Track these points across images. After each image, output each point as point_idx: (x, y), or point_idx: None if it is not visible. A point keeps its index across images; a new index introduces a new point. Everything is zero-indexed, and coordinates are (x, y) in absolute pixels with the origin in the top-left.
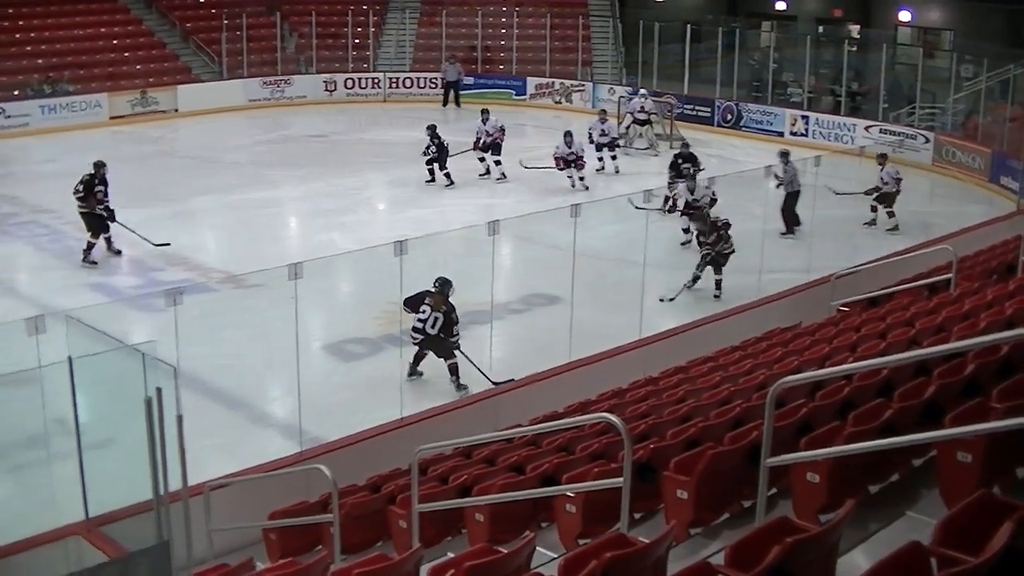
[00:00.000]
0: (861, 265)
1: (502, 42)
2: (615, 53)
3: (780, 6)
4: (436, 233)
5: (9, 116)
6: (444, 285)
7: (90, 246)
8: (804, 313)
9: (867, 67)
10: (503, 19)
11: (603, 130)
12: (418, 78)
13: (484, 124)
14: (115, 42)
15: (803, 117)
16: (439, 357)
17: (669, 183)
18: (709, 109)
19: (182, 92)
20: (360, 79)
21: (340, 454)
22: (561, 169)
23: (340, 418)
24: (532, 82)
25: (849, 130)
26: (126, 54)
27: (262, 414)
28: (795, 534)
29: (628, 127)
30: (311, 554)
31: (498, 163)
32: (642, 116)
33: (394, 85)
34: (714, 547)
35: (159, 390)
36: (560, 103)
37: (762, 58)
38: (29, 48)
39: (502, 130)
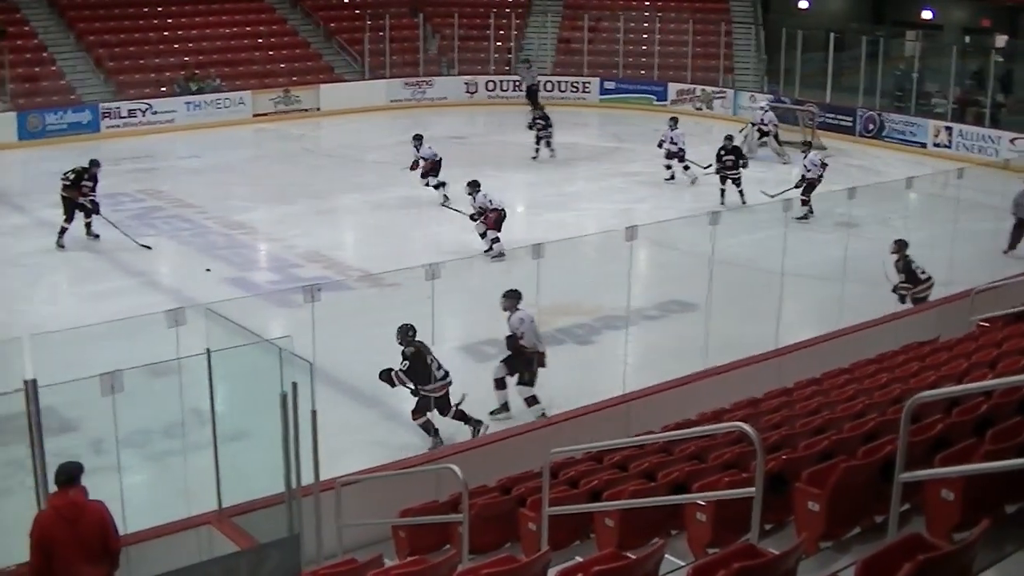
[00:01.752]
0: (1004, 280)
1: (644, 47)
2: (757, 60)
3: (926, 15)
4: (574, 237)
5: (156, 112)
6: (410, 330)
7: (63, 230)
8: (942, 327)
9: (1014, 78)
10: (645, 24)
11: (672, 138)
12: (559, 81)
13: (418, 151)
14: (260, 41)
15: (947, 128)
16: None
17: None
18: (851, 118)
19: (324, 91)
20: (501, 81)
21: (472, 455)
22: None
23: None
24: (673, 88)
25: (994, 142)
26: (270, 53)
27: (395, 412)
28: (927, 552)
29: (747, 135)
30: (439, 553)
31: (438, 186)
32: (765, 128)
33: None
34: (844, 562)
35: (295, 385)
36: (700, 109)
37: (906, 67)
38: (176, 46)
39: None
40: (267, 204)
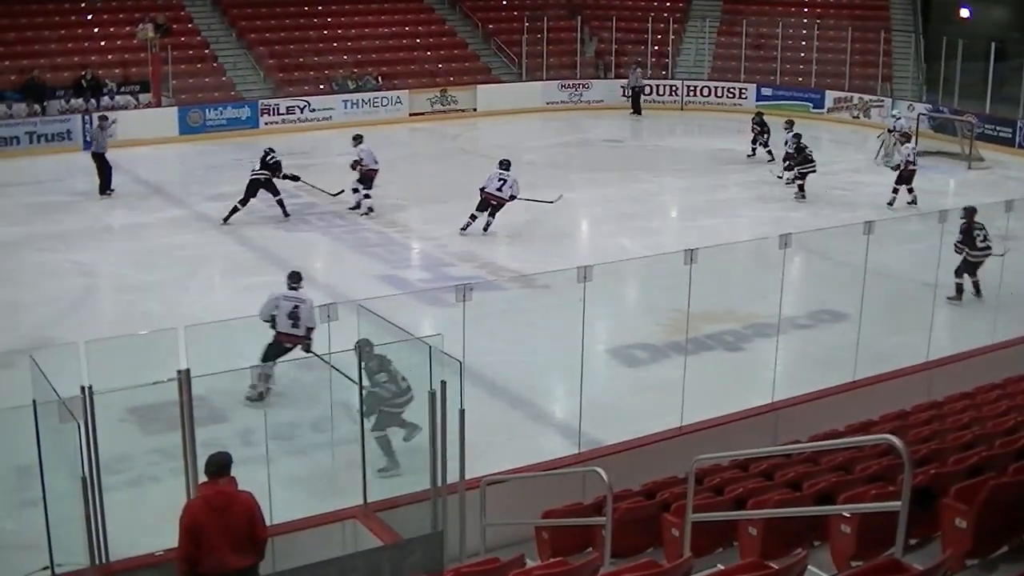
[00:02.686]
0: None
1: (802, 54)
2: (916, 69)
3: None
4: (727, 243)
5: (314, 110)
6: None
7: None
8: None
9: None
10: (804, 31)
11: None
12: (716, 87)
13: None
14: (418, 41)
15: None
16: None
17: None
18: (1011, 130)
19: (481, 92)
20: (658, 86)
21: (617, 458)
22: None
23: (620, 422)
24: (830, 95)
25: None
26: (428, 53)
27: (542, 413)
28: None
29: (884, 141)
30: (581, 555)
31: (368, 196)
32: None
33: (691, 93)
34: None
35: (443, 383)
36: (858, 118)
37: None
38: (335, 45)
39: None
40: (421, 203)
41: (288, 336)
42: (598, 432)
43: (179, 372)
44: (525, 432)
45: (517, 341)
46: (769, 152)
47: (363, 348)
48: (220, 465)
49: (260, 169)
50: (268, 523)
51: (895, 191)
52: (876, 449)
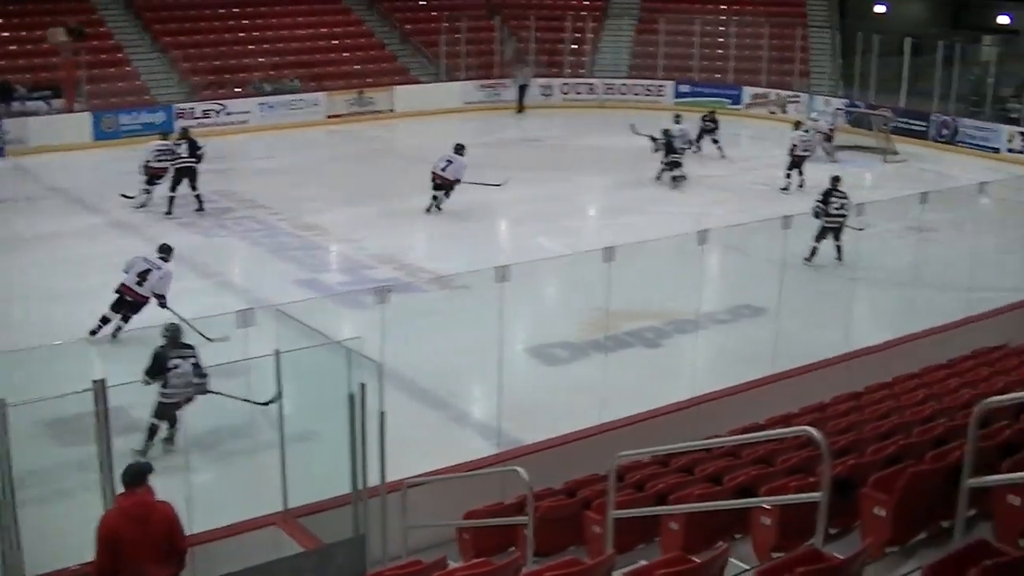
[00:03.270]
0: None
1: (720, 50)
2: (832, 64)
3: (1003, 20)
4: (645, 241)
5: (231, 113)
6: (176, 332)
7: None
8: (1013, 333)
9: None
10: (721, 28)
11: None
12: (634, 85)
13: (177, 148)
14: (335, 42)
15: (1021, 133)
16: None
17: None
18: (925, 123)
19: (399, 93)
20: (576, 84)
21: (538, 457)
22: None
23: (540, 421)
24: (748, 91)
25: None
26: (346, 54)
27: (462, 414)
28: (994, 558)
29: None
30: (504, 555)
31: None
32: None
33: (610, 91)
34: (909, 567)
35: (363, 386)
36: (775, 113)
37: (982, 72)
38: (251, 47)
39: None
40: (339, 206)
41: (129, 290)
42: (518, 431)
43: (94, 382)
44: (446, 433)
45: (436, 342)
46: (719, 149)
47: (170, 334)
48: (137, 475)
49: (188, 158)
50: (188, 532)
51: (787, 176)
52: (796, 441)
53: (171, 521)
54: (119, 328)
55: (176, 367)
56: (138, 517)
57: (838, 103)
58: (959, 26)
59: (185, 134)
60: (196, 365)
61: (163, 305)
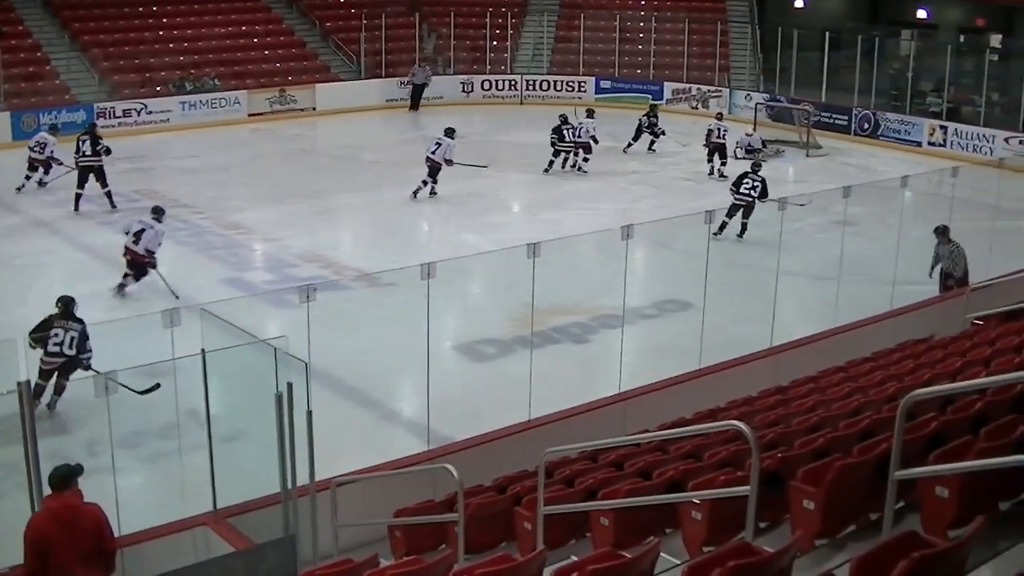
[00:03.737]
0: (997, 278)
1: (640, 46)
2: (753, 59)
3: (921, 15)
4: (570, 236)
5: (151, 112)
6: (68, 304)
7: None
8: (937, 326)
9: (1009, 77)
10: (641, 23)
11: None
12: (555, 81)
13: (82, 144)
14: (255, 40)
15: (941, 127)
16: (62, 377)
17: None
18: (846, 117)
19: (320, 91)
20: (497, 81)
21: (468, 454)
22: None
23: (469, 418)
24: (669, 87)
25: (988, 141)
26: (266, 52)
27: (391, 412)
28: (923, 549)
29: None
30: (435, 553)
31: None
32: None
33: (531, 87)
34: (839, 559)
35: (290, 385)
36: (696, 108)
37: (901, 67)
38: (171, 45)
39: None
40: (263, 204)
41: (128, 250)
42: (447, 429)
43: (19, 383)
44: (375, 431)
45: (363, 340)
46: (652, 143)
47: (62, 305)
48: (64, 477)
49: (91, 156)
50: (116, 534)
51: (709, 162)
52: (724, 435)
53: (99, 523)
54: (122, 286)
55: (55, 336)
56: (66, 519)
57: (759, 97)
58: (878, 20)
59: (89, 130)
60: (80, 338)
61: (152, 265)
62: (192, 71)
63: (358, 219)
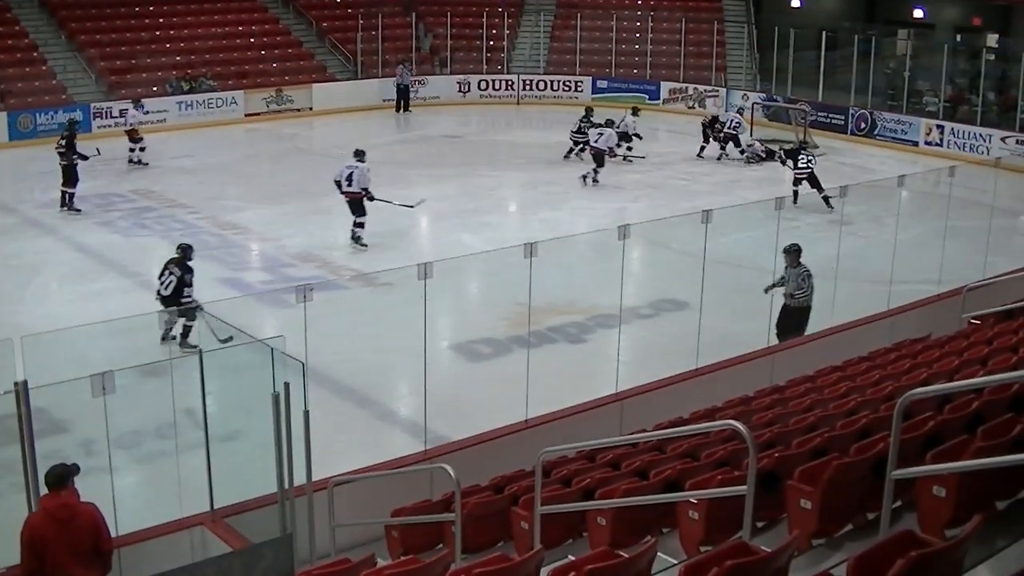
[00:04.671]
0: (994, 277)
1: (636, 46)
2: (749, 59)
3: (918, 14)
4: (567, 236)
5: (148, 112)
6: (186, 250)
7: (70, 196)
8: (934, 325)
9: (1005, 77)
10: (638, 23)
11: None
12: (552, 81)
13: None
14: (252, 40)
15: (938, 127)
16: (186, 319)
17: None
18: (843, 117)
19: (317, 91)
20: (494, 80)
21: (464, 454)
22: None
23: (466, 418)
24: (666, 86)
25: (985, 140)
26: (262, 52)
27: (388, 412)
28: (920, 548)
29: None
30: (432, 552)
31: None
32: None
33: (528, 87)
34: (836, 559)
35: (287, 385)
36: (693, 108)
37: (898, 66)
38: (168, 45)
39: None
40: (259, 204)
41: (347, 192)
42: (444, 428)
43: (16, 384)
44: (371, 431)
45: (360, 340)
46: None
47: (180, 251)
48: (60, 477)
49: (66, 152)
50: (113, 534)
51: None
52: (721, 435)
53: (96, 522)
54: (358, 229)
55: (161, 277)
56: (63, 519)
57: (756, 97)
58: (874, 20)
59: (67, 128)
60: (177, 283)
61: (371, 198)
62: (189, 71)
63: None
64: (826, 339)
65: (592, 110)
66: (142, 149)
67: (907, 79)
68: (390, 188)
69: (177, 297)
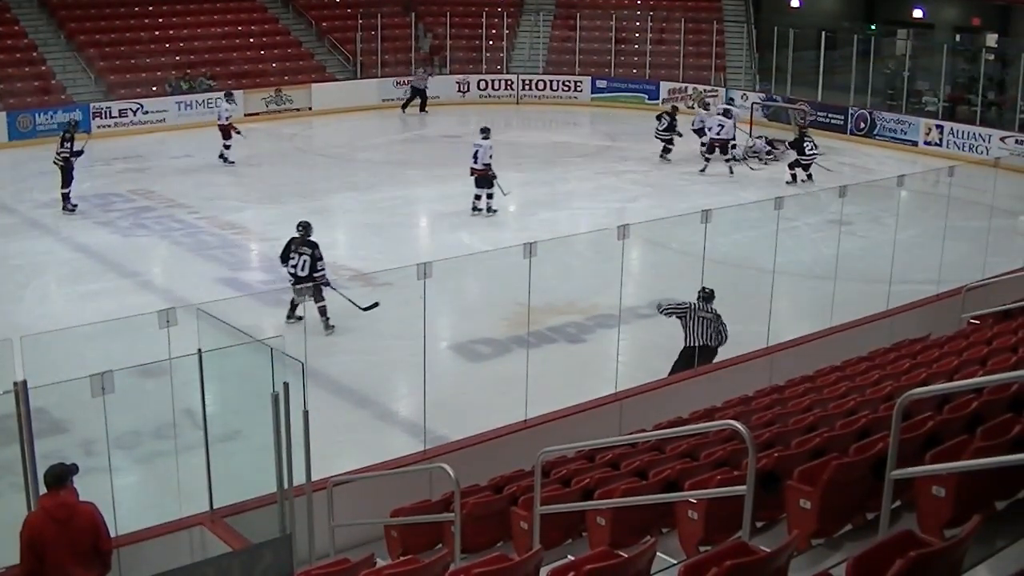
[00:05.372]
0: (993, 277)
1: (636, 46)
2: (749, 59)
3: (917, 14)
4: (566, 236)
5: (147, 112)
6: (306, 228)
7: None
8: (934, 325)
9: (1005, 77)
10: (637, 23)
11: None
12: (551, 80)
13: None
14: (251, 40)
15: (938, 126)
16: (315, 300)
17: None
18: (842, 117)
19: (316, 91)
20: (493, 80)
21: (464, 454)
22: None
23: (465, 418)
24: (665, 86)
25: (984, 140)
26: (262, 52)
27: (388, 412)
28: (919, 548)
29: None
30: (432, 552)
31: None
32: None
33: (527, 87)
34: (836, 559)
35: (286, 385)
36: (692, 108)
37: (897, 66)
38: (167, 45)
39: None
40: (259, 204)
41: (472, 169)
42: (444, 428)
43: (15, 384)
44: (371, 431)
45: (359, 340)
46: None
47: (301, 230)
48: (60, 476)
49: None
50: (113, 533)
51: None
52: (720, 435)
53: (95, 522)
54: (479, 202)
55: (292, 259)
56: (62, 519)
57: (755, 97)
58: (874, 20)
59: (68, 128)
60: (311, 260)
61: (493, 176)
62: (188, 71)
63: (354, 219)
64: (825, 339)
65: (677, 109)
66: (227, 147)
67: (906, 79)
68: (389, 188)
69: (312, 275)
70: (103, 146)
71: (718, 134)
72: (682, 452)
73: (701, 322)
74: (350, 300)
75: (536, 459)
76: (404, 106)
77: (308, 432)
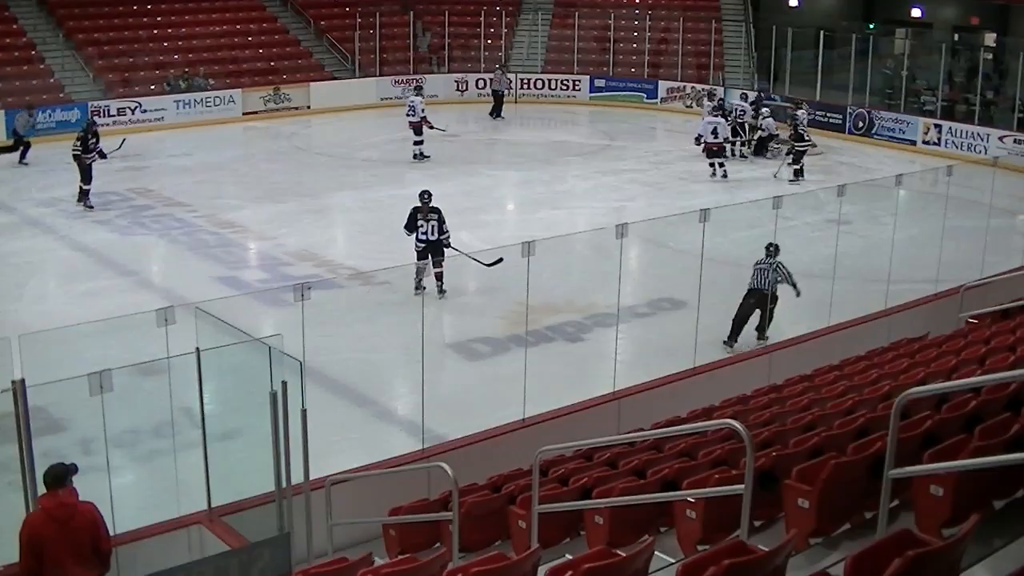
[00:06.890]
0: (992, 276)
1: (634, 45)
2: (747, 58)
3: (915, 13)
4: (565, 235)
5: (145, 111)
6: (429, 196)
7: (84, 191)
8: (932, 324)
9: (1004, 76)
10: (636, 22)
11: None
12: (549, 79)
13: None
14: (250, 39)
15: (936, 126)
16: (435, 266)
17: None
18: (841, 116)
19: (315, 89)
20: (491, 79)
21: (462, 453)
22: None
23: (463, 417)
24: (663, 85)
25: (983, 140)
26: (260, 51)
27: (386, 411)
28: (917, 548)
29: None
30: (430, 551)
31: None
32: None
33: (525, 86)
34: (834, 558)
35: (284, 383)
36: (691, 107)
37: (896, 65)
38: (166, 44)
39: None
40: (257, 202)
41: (410, 123)
42: (442, 427)
43: (13, 382)
44: (369, 430)
45: (358, 339)
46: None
47: (424, 199)
48: (59, 476)
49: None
50: (111, 532)
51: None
52: (718, 434)
53: (95, 521)
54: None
55: (421, 227)
56: (61, 518)
57: (753, 96)
58: (872, 19)
59: (86, 127)
60: (438, 223)
61: (430, 125)
62: (187, 70)
63: (352, 217)
64: (824, 338)
65: (723, 100)
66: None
67: (905, 78)
68: (389, 187)
69: (440, 238)
70: (102, 146)
71: (715, 138)
72: (680, 451)
73: (758, 271)
74: (474, 258)
75: (534, 458)
76: (492, 113)
77: (306, 431)
